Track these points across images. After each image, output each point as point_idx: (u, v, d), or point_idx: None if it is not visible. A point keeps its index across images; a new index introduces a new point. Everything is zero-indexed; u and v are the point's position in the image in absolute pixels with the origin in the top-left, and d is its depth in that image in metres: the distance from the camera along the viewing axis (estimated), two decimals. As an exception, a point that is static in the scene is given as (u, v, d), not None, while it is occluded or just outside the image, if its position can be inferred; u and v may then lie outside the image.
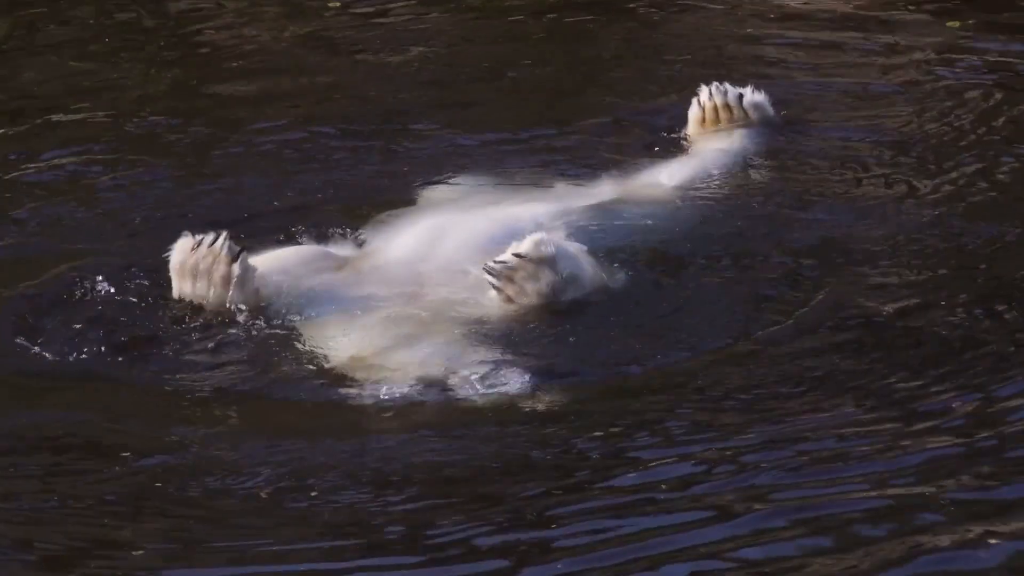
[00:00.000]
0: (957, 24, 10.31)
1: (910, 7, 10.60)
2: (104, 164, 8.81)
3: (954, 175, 8.16)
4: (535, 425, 6.17)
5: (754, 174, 8.27)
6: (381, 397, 6.36)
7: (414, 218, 7.60)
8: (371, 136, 9.16)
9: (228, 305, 6.84)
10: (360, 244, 7.46)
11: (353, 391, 6.44)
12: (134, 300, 7.05)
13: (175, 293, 6.90)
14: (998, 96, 9.16)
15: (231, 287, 6.81)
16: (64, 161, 8.81)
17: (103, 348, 6.74)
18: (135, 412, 6.42)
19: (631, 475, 5.74)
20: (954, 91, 9.26)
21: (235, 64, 10.41)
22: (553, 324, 6.75)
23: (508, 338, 6.67)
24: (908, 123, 8.82)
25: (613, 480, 5.72)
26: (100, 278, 7.11)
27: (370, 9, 11.19)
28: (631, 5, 11.00)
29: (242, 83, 10.14)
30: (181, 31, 11.00)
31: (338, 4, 11.29)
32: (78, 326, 6.88)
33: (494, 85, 9.94)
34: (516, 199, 7.77)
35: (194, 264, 6.81)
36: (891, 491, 5.50)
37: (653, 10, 10.92)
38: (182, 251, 6.87)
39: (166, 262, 6.96)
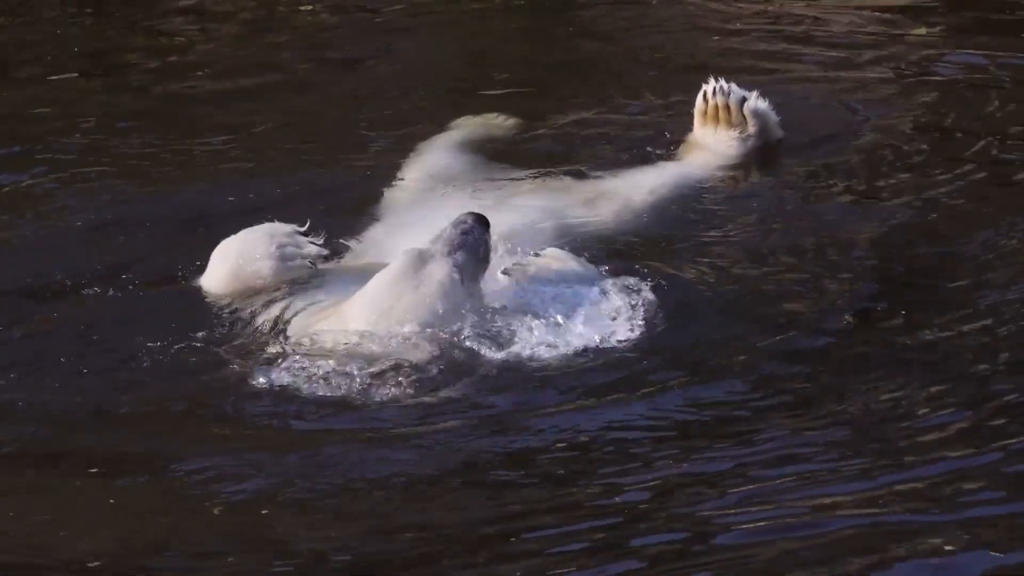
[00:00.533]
0: (924, 31, 10.09)
1: (885, 13, 10.39)
2: (65, 171, 8.51)
3: (942, 182, 7.86)
4: (506, 438, 5.97)
5: (740, 184, 8.00)
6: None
7: (396, 233, 7.36)
8: (342, 136, 8.90)
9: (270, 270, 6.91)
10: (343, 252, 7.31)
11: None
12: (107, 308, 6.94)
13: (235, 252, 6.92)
14: (980, 97, 8.89)
15: (295, 261, 6.98)
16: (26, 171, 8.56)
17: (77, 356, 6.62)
18: (95, 423, 6.23)
19: (611, 493, 5.51)
20: (933, 94, 9.01)
21: (202, 68, 10.16)
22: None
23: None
24: (889, 131, 8.52)
25: (593, 499, 5.49)
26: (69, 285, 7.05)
27: (342, 11, 10.97)
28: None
29: (212, 83, 9.87)
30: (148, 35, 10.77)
31: (310, 7, 11.08)
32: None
33: (473, 83, 9.65)
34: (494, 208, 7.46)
35: (288, 234, 7.00)
36: (873, 513, 5.25)
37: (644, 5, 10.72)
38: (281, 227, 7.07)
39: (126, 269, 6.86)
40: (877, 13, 10.34)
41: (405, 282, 6.52)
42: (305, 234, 7.01)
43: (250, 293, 6.90)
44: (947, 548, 5.03)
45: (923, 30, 10.09)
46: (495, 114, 8.80)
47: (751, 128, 8.17)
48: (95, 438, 6.09)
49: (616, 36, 10.34)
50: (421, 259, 6.54)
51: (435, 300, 6.49)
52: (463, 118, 8.74)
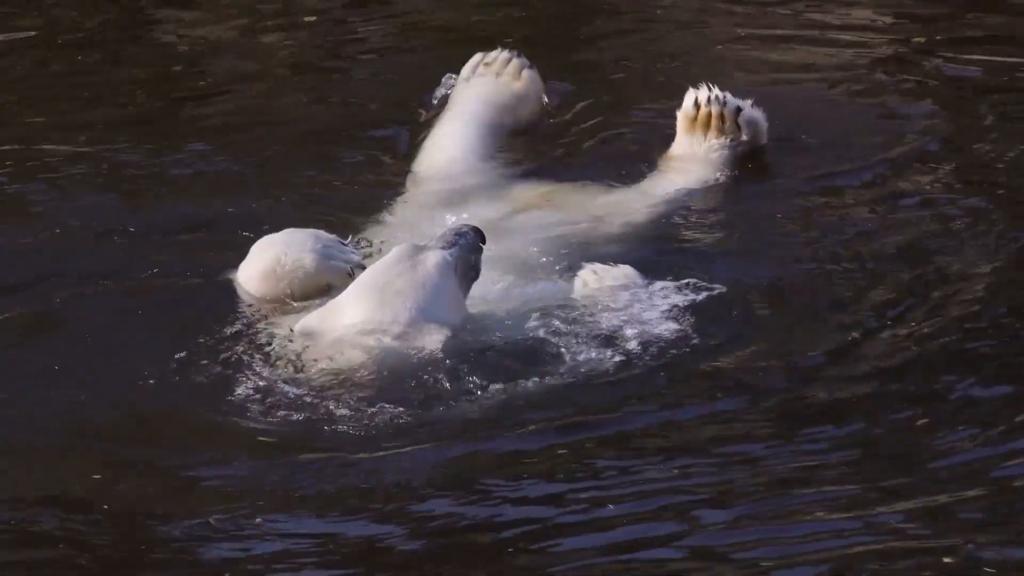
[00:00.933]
0: (923, 40, 9.99)
1: (881, 22, 10.27)
2: (60, 181, 8.36)
3: (938, 196, 7.68)
4: (504, 463, 5.82)
5: (735, 195, 7.81)
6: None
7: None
8: (340, 143, 8.74)
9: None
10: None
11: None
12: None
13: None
14: (977, 109, 8.70)
15: (336, 261, 6.91)
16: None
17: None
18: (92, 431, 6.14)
19: (599, 527, 5.36)
20: (928, 105, 8.80)
21: (204, 77, 10.06)
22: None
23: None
24: (879, 142, 8.32)
25: (581, 536, 5.32)
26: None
27: (345, 20, 10.88)
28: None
29: (211, 93, 9.69)
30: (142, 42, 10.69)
31: (314, 18, 11.00)
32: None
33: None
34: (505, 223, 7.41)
35: (332, 239, 6.96)
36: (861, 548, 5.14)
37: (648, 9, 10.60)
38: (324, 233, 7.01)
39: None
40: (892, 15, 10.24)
41: (400, 266, 6.45)
42: (345, 246, 6.97)
43: (280, 293, 6.79)
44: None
45: (922, 38, 10.00)
46: (505, 57, 8.45)
47: (744, 137, 8.00)
48: (89, 444, 6.01)
49: (627, 37, 10.22)
50: (416, 250, 6.49)
51: (431, 279, 6.41)
52: (474, 70, 8.46)
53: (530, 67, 8.45)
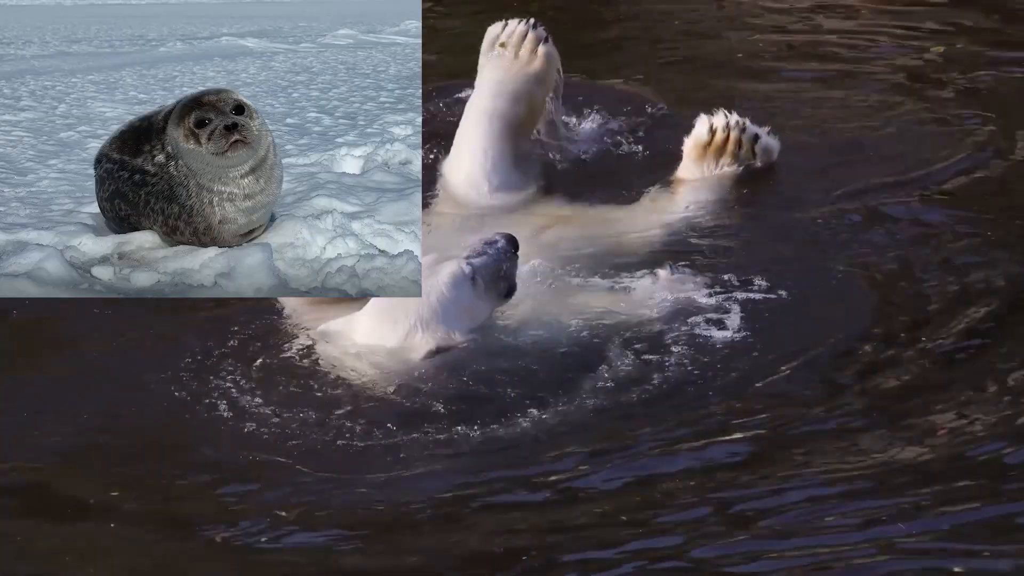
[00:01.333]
0: (941, 49, 9.91)
1: (896, 30, 10.20)
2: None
3: (979, 207, 7.55)
4: (520, 471, 5.71)
5: (758, 208, 7.67)
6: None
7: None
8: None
9: None
10: None
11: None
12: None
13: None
14: (994, 125, 8.57)
15: None
16: None
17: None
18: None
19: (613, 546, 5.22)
20: (942, 120, 8.70)
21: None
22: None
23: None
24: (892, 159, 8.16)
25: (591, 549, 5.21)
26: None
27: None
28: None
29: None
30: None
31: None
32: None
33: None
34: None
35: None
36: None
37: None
38: None
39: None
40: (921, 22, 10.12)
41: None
42: None
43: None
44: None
45: (940, 48, 9.92)
46: (521, 32, 8.06)
47: (757, 164, 7.86)
48: (93, 467, 5.91)
49: (637, 46, 10.14)
50: (439, 260, 6.40)
51: (437, 290, 6.29)
52: (492, 46, 8.07)
53: (546, 40, 8.05)
